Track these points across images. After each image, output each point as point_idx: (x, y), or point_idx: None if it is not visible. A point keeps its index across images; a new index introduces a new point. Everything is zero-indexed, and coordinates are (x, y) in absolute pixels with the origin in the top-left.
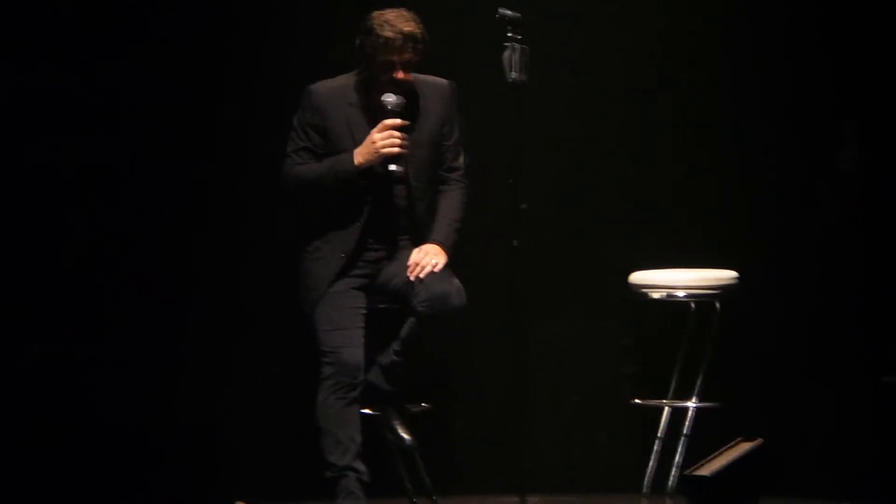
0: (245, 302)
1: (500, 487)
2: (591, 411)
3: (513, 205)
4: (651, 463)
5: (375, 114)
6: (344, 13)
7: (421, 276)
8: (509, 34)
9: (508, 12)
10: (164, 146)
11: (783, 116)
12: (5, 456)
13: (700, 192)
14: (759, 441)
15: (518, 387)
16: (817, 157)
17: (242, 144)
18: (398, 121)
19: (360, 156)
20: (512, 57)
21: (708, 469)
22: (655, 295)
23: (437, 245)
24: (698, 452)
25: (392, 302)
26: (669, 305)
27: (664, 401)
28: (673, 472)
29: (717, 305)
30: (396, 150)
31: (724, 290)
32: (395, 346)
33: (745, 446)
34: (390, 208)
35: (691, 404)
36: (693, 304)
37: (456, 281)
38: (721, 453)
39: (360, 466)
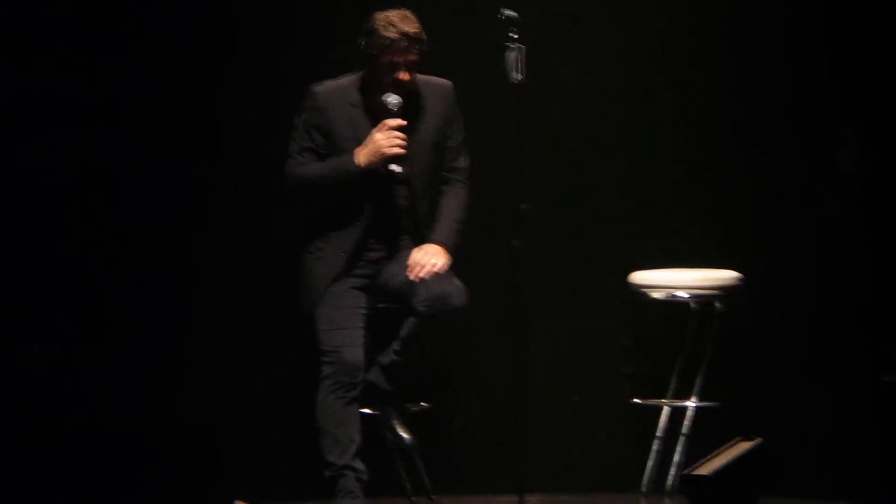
0: (245, 302)
1: (499, 487)
2: (591, 411)
3: (513, 205)
4: (650, 462)
5: (378, 114)
6: (344, 13)
7: (421, 276)
8: (511, 35)
9: (510, 13)
10: (164, 146)
11: (783, 116)
12: (5, 456)
13: (700, 193)
14: (758, 440)
15: (518, 386)
16: (817, 157)
17: (242, 144)
18: (400, 121)
19: (362, 156)
20: (514, 58)
21: (707, 468)
22: (657, 295)
23: (439, 245)
24: (698, 452)
25: (393, 302)
26: (670, 305)
27: (664, 400)
28: (672, 472)
29: (718, 306)
30: (400, 150)
31: (725, 291)
32: (396, 345)
33: (744, 446)
34: (392, 208)
35: (691, 404)
36: (694, 305)
37: (457, 281)
38: (720, 453)
39: (360, 466)
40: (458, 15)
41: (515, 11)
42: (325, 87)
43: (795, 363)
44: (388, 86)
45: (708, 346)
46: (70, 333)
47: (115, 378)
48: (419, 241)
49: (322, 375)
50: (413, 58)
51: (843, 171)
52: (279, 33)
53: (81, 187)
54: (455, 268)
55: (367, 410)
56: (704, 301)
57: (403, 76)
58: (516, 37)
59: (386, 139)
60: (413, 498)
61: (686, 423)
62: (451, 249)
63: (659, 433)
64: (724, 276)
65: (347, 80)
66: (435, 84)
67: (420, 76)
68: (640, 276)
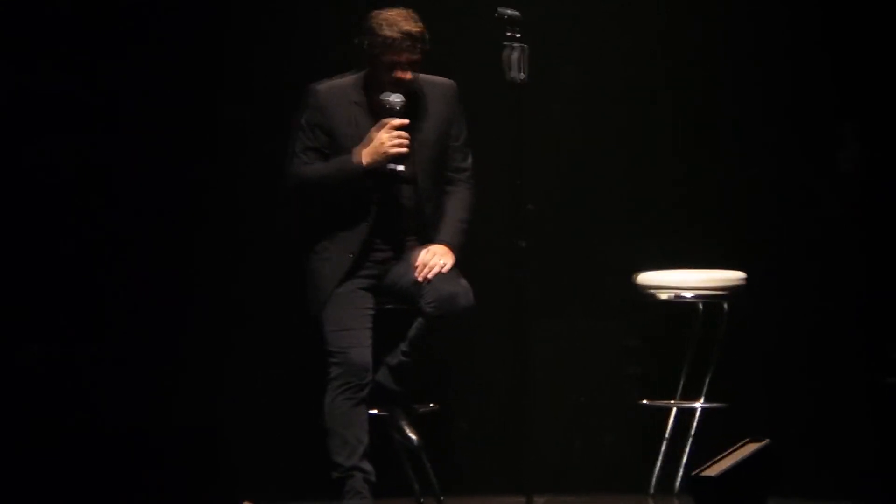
0: (245, 302)
1: (505, 488)
2: (596, 411)
3: (518, 205)
4: (658, 463)
5: (379, 113)
6: (344, 13)
7: (429, 276)
8: (509, 33)
9: (508, 11)
10: (164, 146)
11: (783, 116)
12: (5, 456)
13: (700, 192)
14: (766, 442)
15: (522, 387)
16: (817, 157)
17: (242, 144)
18: (403, 120)
19: (366, 156)
20: (512, 56)
21: (715, 470)
22: (663, 296)
23: (445, 246)
24: (705, 453)
25: (400, 302)
26: (677, 306)
27: (672, 401)
28: (680, 473)
29: (725, 306)
30: (404, 150)
31: (731, 291)
32: (403, 346)
33: (753, 447)
34: (397, 209)
35: (698, 405)
36: (701, 305)
37: (463, 281)
38: (728, 454)
39: (367, 466)
40: (458, 14)
41: (515, 10)
42: (327, 86)
43: (795, 363)
44: (389, 85)
45: (715, 346)
46: (70, 333)
47: (115, 378)
48: (425, 241)
49: (330, 377)
50: (414, 57)
51: (843, 171)
52: (279, 33)
53: (81, 187)
54: (460, 268)
55: (374, 411)
56: (711, 301)
57: (404, 75)
58: (518, 36)
59: (389, 138)
60: (421, 499)
61: (694, 423)
62: (456, 250)
63: (667, 434)
64: (731, 276)
65: (349, 79)
66: (437, 83)
67: (422, 76)
68: (647, 277)
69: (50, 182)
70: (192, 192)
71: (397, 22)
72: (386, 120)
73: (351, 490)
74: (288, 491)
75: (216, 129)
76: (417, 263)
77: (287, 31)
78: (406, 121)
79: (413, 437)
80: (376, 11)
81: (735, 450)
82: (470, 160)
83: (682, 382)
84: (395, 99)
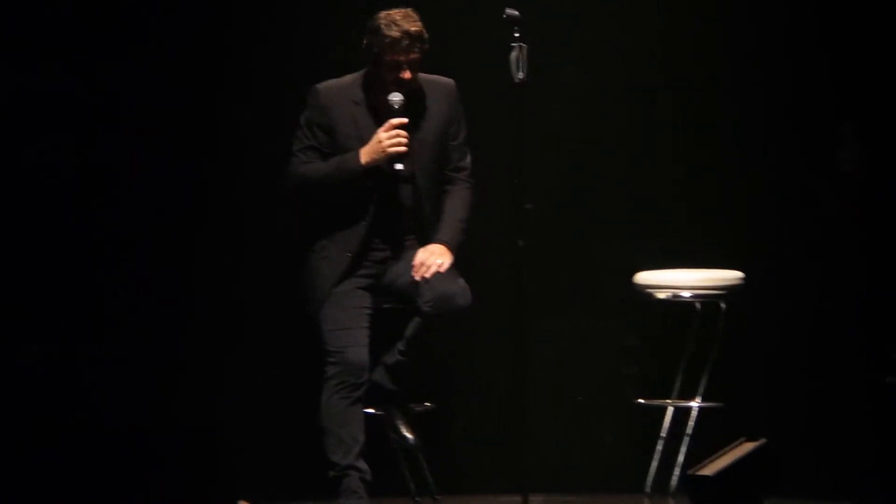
0: (245, 302)
1: (502, 487)
2: (594, 411)
3: (517, 205)
4: (654, 463)
5: (380, 112)
6: (344, 13)
7: (426, 276)
8: (516, 34)
9: (513, 12)
10: (164, 146)
11: (783, 116)
12: (5, 456)
13: (700, 192)
14: (762, 441)
15: (520, 386)
16: (817, 157)
17: (242, 144)
18: (403, 119)
19: (366, 155)
20: (516, 57)
21: (711, 469)
22: (661, 295)
23: (443, 245)
24: (701, 452)
25: (397, 302)
26: (674, 306)
27: (668, 401)
28: (676, 472)
29: (723, 306)
30: (403, 149)
31: (729, 291)
32: (400, 345)
33: (749, 446)
34: (396, 208)
35: (695, 404)
36: (698, 305)
37: (461, 281)
38: (724, 453)
39: (363, 466)
40: (458, 14)
41: (517, 11)
42: (328, 86)
43: (795, 363)
44: (390, 84)
45: (713, 346)
46: (70, 333)
47: (115, 378)
48: (424, 240)
49: (326, 376)
50: (415, 56)
51: (843, 171)
52: (279, 33)
53: (81, 187)
54: (459, 268)
55: (371, 410)
56: (709, 301)
57: (406, 75)
58: (518, 36)
59: (389, 137)
60: (417, 498)
61: (690, 423)
62: (455, 249)
63: (663, 433)
64: (729, 276)
65: (350, 79)
66: (438, 83)
67: (423, 75)
68: (645, 277)
69: (50, 182)
70: (192, 192)
71: (398, 22)
72: (390, 120)
73: (347, 489)
74: (287, 491)
75: (216, 129)
76: (415, 263)
77: (287, 31)
78: (405, 120)
79: (409, 436)
80: (382, 12)
81: (731, 449)
82: (469, 159)
83: (678, 382)
84: (395, 98)
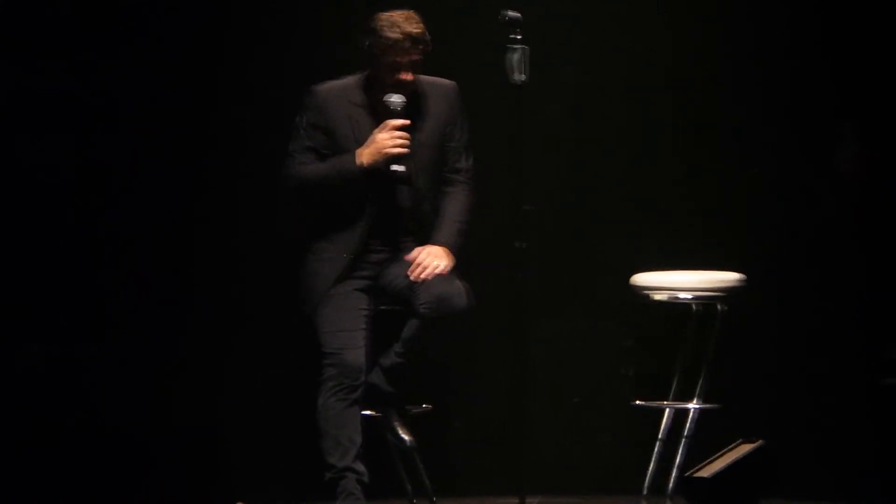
0: (245, 302)
1: (499, 488)
2: (592, 412)
3: (514, 205)
4: (651, 464)
5: (380, 114)
6: (344, 13)
7: (423, 277)
8: (513, 35)
9: (513, 13)
10: (164, 146)
11: (783, 116)
12: (5, 456)
13: (700, 193)
14: (759, 443)
15: (518, 387)
16: (817, 157)
17: (242, 144)
18: (403, 121)
19: (364, 156)
20: (517, 58)
21: (708, 471)
22: (659, 297)
23: (441, 246)
24: (699, 454)
25: (395, 303)
26: (672, 307)
27: (665, 402)
28: (673, 474)
29: (720, 307)
30: (402, 150)
31: (727, 293)
32: (397, 347)
33: (746, 448)
34: (394, 209)
35: (692, 405)
36: (696, 307)
37: (459, 282)
38: (722, 455)
39: (360, 468)
40: (459, 15)
41: (517, 11)
42: (327, 87)
43: (794, 364)
44: (390, 86)
45: (710, 347)
46: (70, 333)
47: (115, 378)
48: (422, 242)
49: (323, 377)
50: (416, 58)
51: (843, 171)
52: (279, 33)
53: (81, 187)
54: (458, 268)
55: (368, 412)
56: (706, 303)
57: (406, 76)
58: (519, 37)
59: (388, 138)
60: (414, 500)
61: (688, 424)
62: (454, 251)
63: (660, 435)
64: (727, 278)
65: (349, 80)
66: (439, 84)
67: (424, 77)
68: (642, 278)
69: (50, 182)
70: (192, 192)
71: (399, 23)
72: (388, 121)
73: (344, 491)
74: (286, 492)
75: (216, 129)
76: (411, 262)
77: (287, 31)
78: (406, 121)
79: (406, 438)
80: (381, 13)
81: (728, 451)
82: (471, 161)
83: (675, 383)
84: (396, 99)
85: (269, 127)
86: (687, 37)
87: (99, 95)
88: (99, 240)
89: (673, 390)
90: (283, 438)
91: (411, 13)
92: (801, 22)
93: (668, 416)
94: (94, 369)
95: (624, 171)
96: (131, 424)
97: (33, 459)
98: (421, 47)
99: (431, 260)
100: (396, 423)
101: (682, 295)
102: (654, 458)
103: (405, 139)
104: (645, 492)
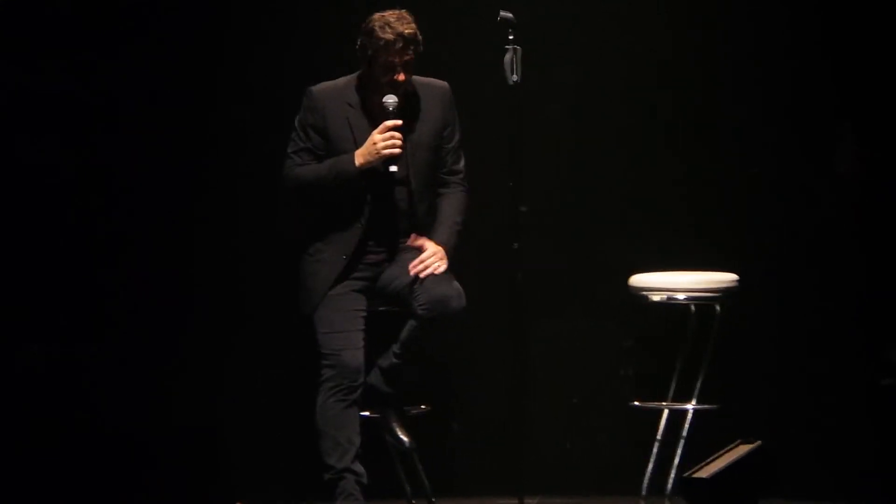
0: (245, 302)
1: (498, 489)
2: (591, 413)
3: (513, 206)
4: (650, 465)
5: (375, 114)
6: (344, 13)
7: (422, 275)
8: (510, 37)
9: (507, 15)
10: (164, 146)
11: (783, 116)
12: (5, 456)
13: (699, 193)
14: (757, 443)
15: (517, 388)
16: (817, 157)
17: (242, 144)
18: (397, 121)
19: (360, 157)
20: (510, 59)
21: (706, 471)
22: (656, 297)
23: (440, 247)
24: (697, 455)
25: (392, 304)
26: (669, 308)
27: (663, 403)
28: (672, 474)
29: (717, 308)
30: (397, 150)
31: (724, 293)
32: (395, 348)
33: (744, 448)
34: (391, 210)
35: (690, 406)
36: (693, 307)
37: (456, 284)
38: (720, 455)
39: (359, 468)
40: (456, 16)
41: (514, 12)
42: (322, 88)
43: (792, 365)
44: (384, 86)
45: (707, 348)
46: (70, 333)
47: (115, 378)
48: None
49: (322, 378)
50: (409, 58)
51: (842, 172)
52: (279, 33)
53: (81, 187)
54: (455, 269)
55: (366, 413)
56: (703, 303)
57: (400, 77)
58: (512, 38)
59: (382, 139)
60: (413, 501)
61: (686, 425)
62: (450, 251)
63: (659, 436)
64: (724, 279)
65: (345, 81)
66: (432, 86)
67: (417, 78)
68: (640, 279)
69: (50, 182)
70: (192, 192)
71: (392, 24)
72: (386, 122)
73: (342, 492)
74: (287, 491)
75: (216, 129)
76: (412, 258)
77: (287, 31)
78: (399, 122)
79: (405, 438)
80: (376, 14)
81: (727, 451)
82: (463, 162)
83: (673, 384)
84: (390, 100)
85: (269, 127)
86: (687, 37)
87: (99, 95)
88: (99, 240)
89: (672, 391)
90: (283, 438)
91: (403, 13)
92: (801, 22)
93: (666, 417)
94: (94, 369)
95: (623, 171)
96: (131, 424)
97: (33, 459)
98: (414, 48)
99: (435, 260)
100: (395, 424)
101: (678, 296)
102: (652, 459)
103: (400, 140)
104: (644, 492)
